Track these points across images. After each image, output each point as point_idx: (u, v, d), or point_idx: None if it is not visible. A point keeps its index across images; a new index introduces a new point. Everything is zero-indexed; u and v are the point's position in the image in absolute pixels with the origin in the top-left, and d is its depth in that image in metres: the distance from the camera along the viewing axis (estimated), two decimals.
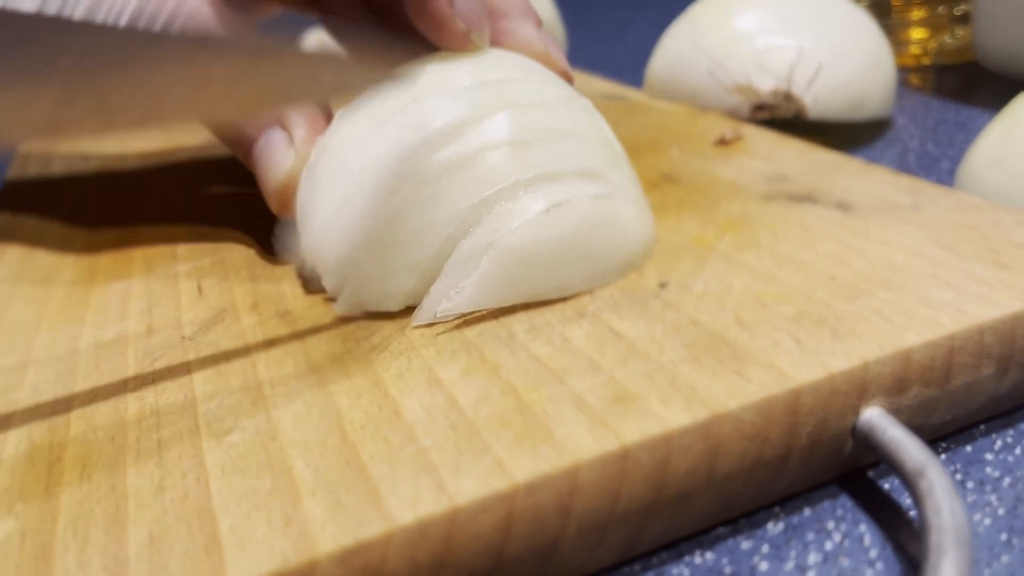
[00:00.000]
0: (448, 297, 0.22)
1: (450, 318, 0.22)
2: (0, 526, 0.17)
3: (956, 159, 0.39)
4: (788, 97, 0.40)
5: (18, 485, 0.19)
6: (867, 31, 0.42)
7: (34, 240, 0.33)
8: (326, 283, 0.24)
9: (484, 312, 0.22)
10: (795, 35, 0.41)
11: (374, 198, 0.22)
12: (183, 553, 0.16)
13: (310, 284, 0.25)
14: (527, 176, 0.22)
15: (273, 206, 0.27)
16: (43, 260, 0.31)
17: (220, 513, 0.17)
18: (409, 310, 0.23)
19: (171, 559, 0.16)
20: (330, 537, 0.16)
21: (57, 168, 0.44)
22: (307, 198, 0.24)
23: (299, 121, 0.26)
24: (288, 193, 0.26)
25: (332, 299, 0.24)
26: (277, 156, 0.26)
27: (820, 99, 0.40)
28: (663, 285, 0.23)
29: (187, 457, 0.19)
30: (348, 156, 0.23)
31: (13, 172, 0.44)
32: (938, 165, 0.38)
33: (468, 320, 0.22)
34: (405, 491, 0.17)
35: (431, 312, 0.22)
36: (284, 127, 0.26)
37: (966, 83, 0.50)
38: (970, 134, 0.42)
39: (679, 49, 0.45)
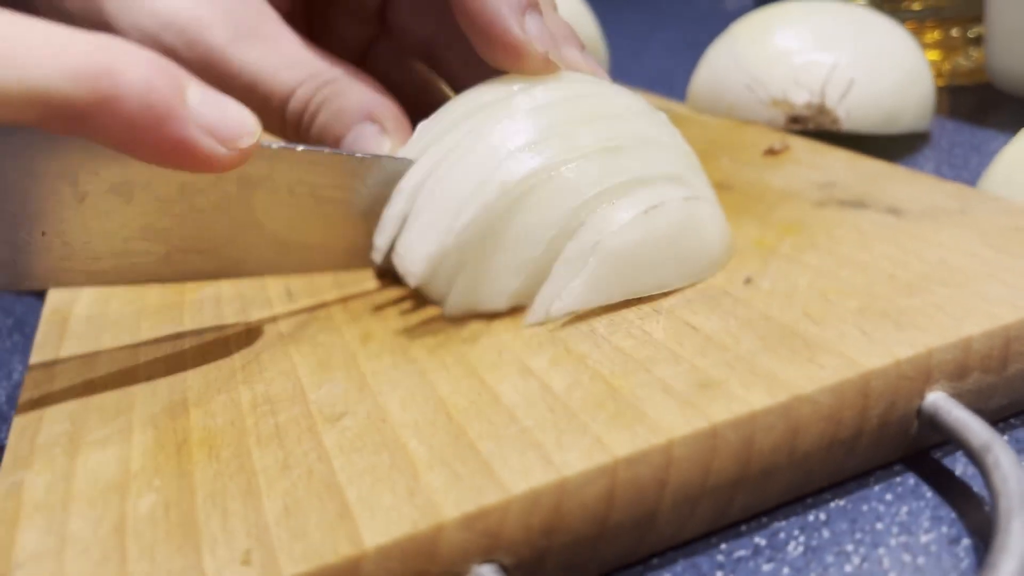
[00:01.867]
0: (559, 297, 0.24)
1: (561, 316, 0.24)
2: (143, 499, 0.19)
3: (971, 182, 0.39)
4: (822, 110, 0.42)
5: (152, 464, 0.20)
6: (904, 47, 0.44)
7: None
8: (432, 288, 0.25)
9: None
10: (830, 51, 0.43)
11: (478, 205, 0.23)
12: (319, 520, 0.18)
13: (396, 283, 0.27)
14: (622, 180, 0.24)
15: None
16: None
17: (346, 486, 0.18)
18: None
19: (309, 525, 0.17)
20: (453, 504, 0.17)
21: None
22: (409, 206, 0.25)
23: (387, 115, 0.28)
24: None
25: (421, 298, 0.26)
26: (371, 145, 0.27)
27: (853, 112, 0.42)
28: (748, 281, 0.24)
29: (305, 439, 0.20)
30: (447, 166, 0.24)
31: None
32: None
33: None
34: (515, 464, 0.18)
35: (543, 311, 0.24)
36: (374, 120, 0.28)
37: (981, 105, 0.51)
38: (985, 156, 0.42)
39: (720, 65, 0.46)
